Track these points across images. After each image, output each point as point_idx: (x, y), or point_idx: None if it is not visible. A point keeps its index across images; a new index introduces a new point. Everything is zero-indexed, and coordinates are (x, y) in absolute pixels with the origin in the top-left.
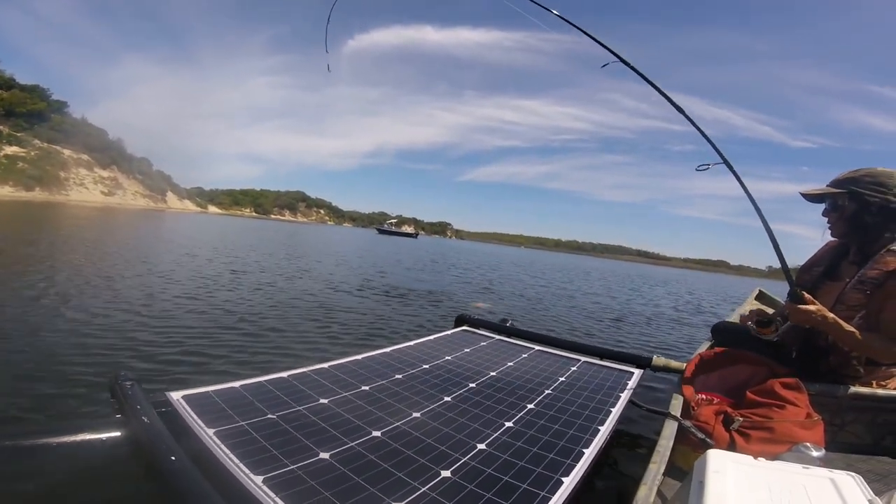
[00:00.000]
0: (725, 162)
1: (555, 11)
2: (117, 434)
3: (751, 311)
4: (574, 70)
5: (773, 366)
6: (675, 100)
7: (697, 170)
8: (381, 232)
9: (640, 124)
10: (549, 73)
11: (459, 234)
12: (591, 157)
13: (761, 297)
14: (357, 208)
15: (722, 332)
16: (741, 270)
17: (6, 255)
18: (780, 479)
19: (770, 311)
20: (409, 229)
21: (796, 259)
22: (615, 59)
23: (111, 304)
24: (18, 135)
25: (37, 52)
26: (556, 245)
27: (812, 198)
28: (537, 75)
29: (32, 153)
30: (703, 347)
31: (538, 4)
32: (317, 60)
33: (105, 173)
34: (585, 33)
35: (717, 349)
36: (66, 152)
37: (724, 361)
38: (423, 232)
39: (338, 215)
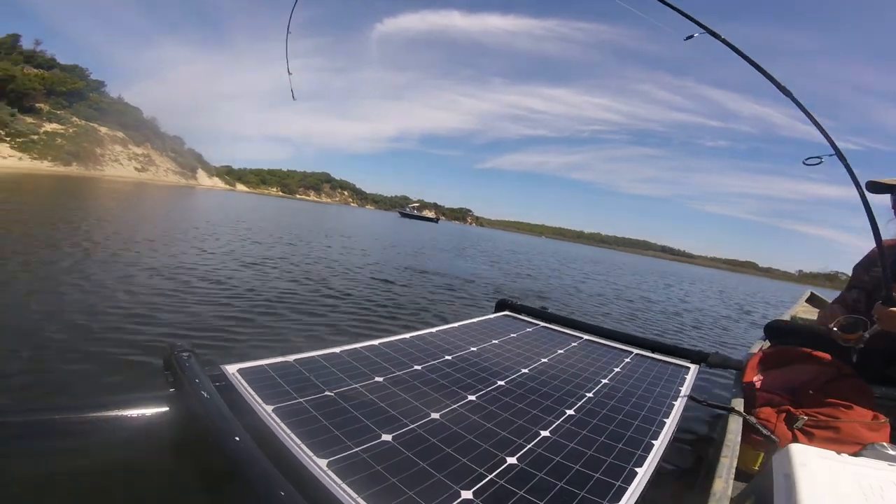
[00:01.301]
0: (838, 153)
1: None
2: (165, 409)
3: (829, 315)
4: (607, 59)
5: (839, 366)
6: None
7: (805, 163)
8: (403, 215)
9: (674, 117)
10: (580, 62)
11: (479, 221)
12: (620, 149)
13: (812, 299)
14: (379, 191)
15: (778, 332)
16: (770, 273)
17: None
18: (867, 475)
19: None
20: (430, 214)
21: (832, 264)
22: (702, 30)
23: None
24: (58, 112)
25: (76, 32)
26: (578, 237)
27: (879, 188)
28: (567, 64)
29: (71, 130)
30: (757, 346)
31: None
32: (346, 44)
33: (139, 150)
34: (669, 5)
35: (781, 348)
36: (103, 130)
37: (787, 360)
38: (443, 217)
39: (361, 197)
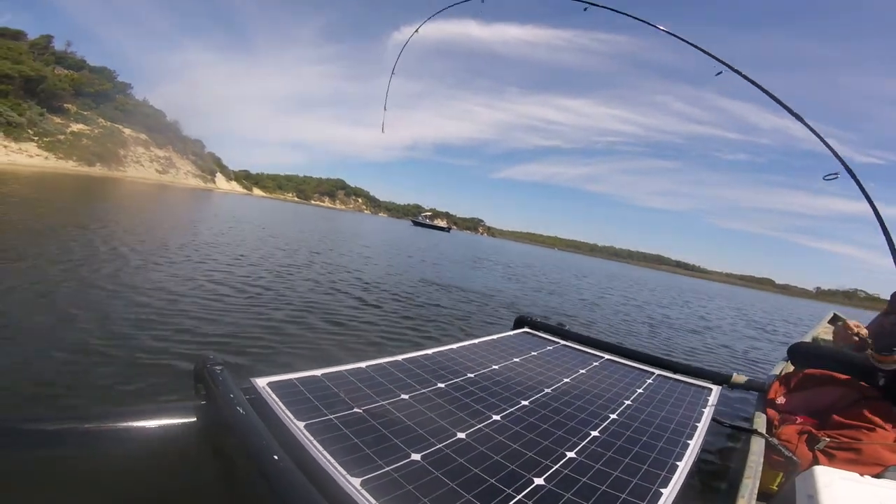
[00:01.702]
0: (850, 172)
1: (662, 27)
2: (192, 420)
3: (843, 329)
4: (624, 71)
5: (863, 389)
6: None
7: (825, 179)
8: (416, 224)
9: (692, 130)
10: (597, 73)
11: (491, 232)
12: (636, 161)
13: (835, 319)
14: (392, 199)
15: (801, 354)
16: (788, 290)
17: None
18: (890, 497)
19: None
20: (442, 223)
21: (847, 281)
22: (725, 68)
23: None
24: (85, 113)
25: (106, 35)
26: (592, 250)
27: None
28: (584, 75)
29: (96, 131)
30: (779, 367)
31: (644, 21)
32: (364, 53)
33: (161, 152)
34: (696, 46)
35: (805, 370)
36: (127, 131)
37: (811, 382)
38: (455, 227)
39: (374, 205)
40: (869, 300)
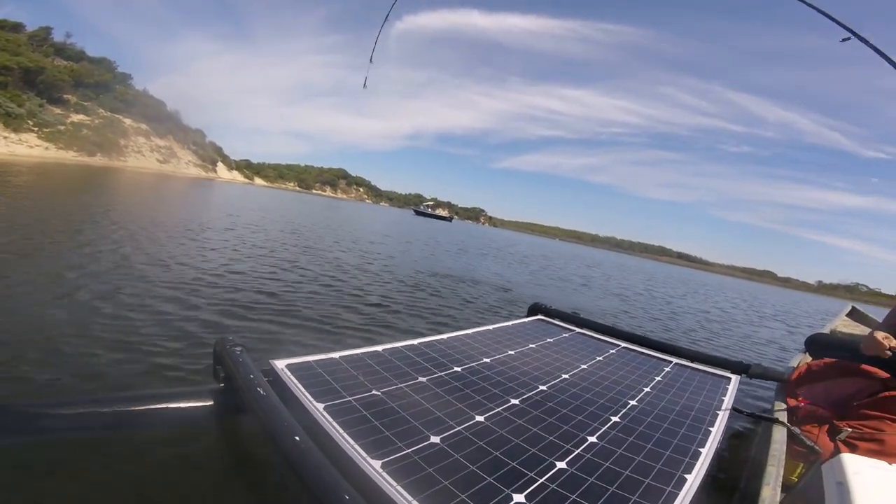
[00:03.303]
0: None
1: None
2: (209, 403)
3: (879, 340)
4: (629, 62)
5: (886, 380)
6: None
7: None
8: (418, 213)
9: (698, 122)
10: (601, 63)
11: (493, 222)
12: (640, 153)
13: (853, 313)
14: (394, 188)
15: (821, 345)
16: (789, 283)
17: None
18: None
19: (864, 327)
20: (444, 213)
21: (848, 275)
22: (850, 35)
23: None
24: (85, 104)
25: (105, 26)
26: (593, 240)
27: None
28: (589, 65)
29: (96, 121)
30: (797, 359)
31: None
32: (365, 41)
33: (161, 142)
34: (820, 11)
35: (827, 360)
36: (127, 121)
37: (833, 373)
38: (457, 216)
39: (375, 194)
40: (871, 294)
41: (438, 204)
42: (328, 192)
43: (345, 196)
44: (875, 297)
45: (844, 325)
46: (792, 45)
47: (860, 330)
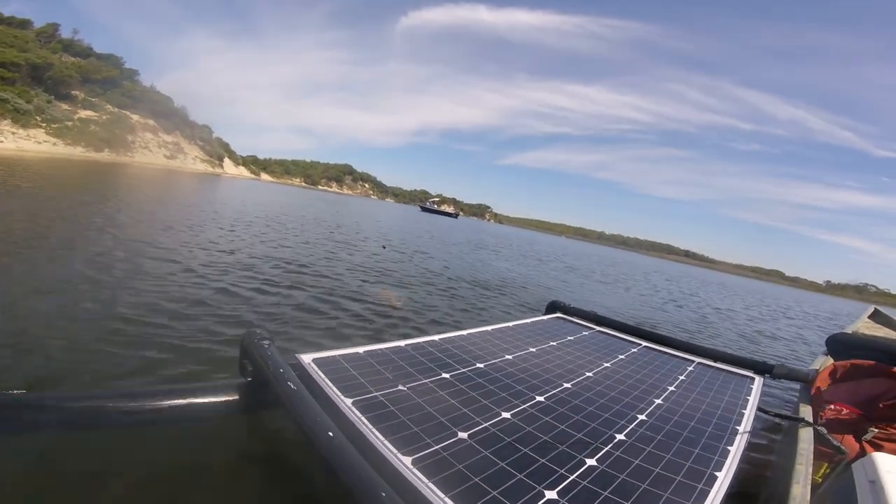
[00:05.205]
0: None
1: None
2: (234, 398)
3: None
4: (637, 58)
5: None
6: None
7: None
8: (424, 210)
9: (707, 119)
10: (609, 60)
11: (498, 218)
12: (647, 149)
13: (876, 314)
14: (399, 184)
15: (841, 344)
16: (796, 282)
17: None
18: None
19: (888, 330)
20: (449, 209)
21: (857, 275)
22: None
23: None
24: (93, 100)
25: (113, 23)
26: (599, 237)
27: None
28: (596, 62)
29: (104, 117)
30: (820, 360)
31: None
32: (371, 37)
33: (169, 138)
34: None
35: (853, 361)
36: (135, 117)
37: (859, 373)
38: (462, 213)
39: (381, 190)
40: (879, 295)
41: (444, 200)
42: (334, 187)
43: (350, 192)
44: (884, 297)
45: (867, 327)
46: (803, 41)
47: (884, 332)
